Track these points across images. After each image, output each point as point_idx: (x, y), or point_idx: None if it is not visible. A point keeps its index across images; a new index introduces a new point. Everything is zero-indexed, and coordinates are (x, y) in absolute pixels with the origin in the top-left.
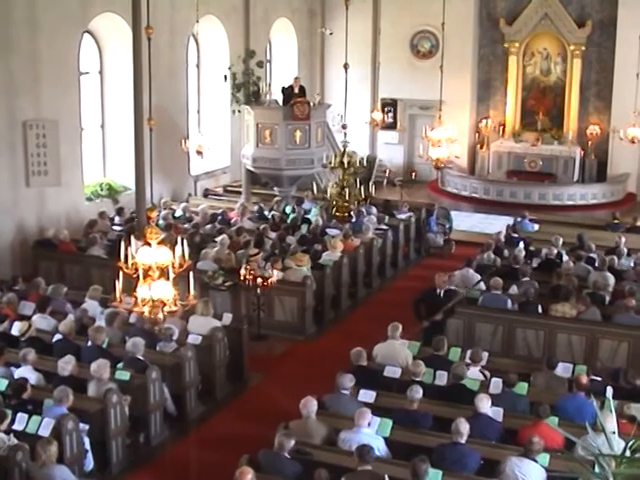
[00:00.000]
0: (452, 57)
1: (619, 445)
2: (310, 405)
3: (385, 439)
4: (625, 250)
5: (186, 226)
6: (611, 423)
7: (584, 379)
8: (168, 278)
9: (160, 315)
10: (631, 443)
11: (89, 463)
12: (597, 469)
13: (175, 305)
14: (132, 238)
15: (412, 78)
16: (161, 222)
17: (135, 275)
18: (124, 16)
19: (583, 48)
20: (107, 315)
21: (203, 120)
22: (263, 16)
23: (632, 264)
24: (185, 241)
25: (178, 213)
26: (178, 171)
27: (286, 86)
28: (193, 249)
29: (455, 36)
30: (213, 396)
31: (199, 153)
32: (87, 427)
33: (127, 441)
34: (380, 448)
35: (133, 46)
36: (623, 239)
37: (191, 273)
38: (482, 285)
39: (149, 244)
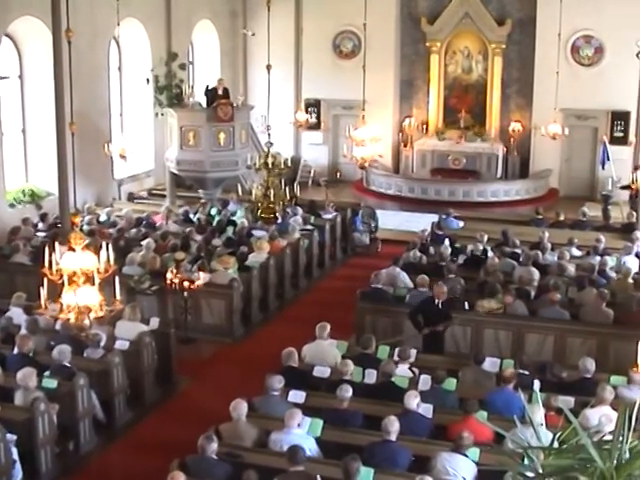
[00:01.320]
0: (374, 57)
1: (547, 437)
2: (240, 407)
3: (316, 439)
4: (549, 245)
5: (111, 231)
6: (539, 416)
7: (511, 373)
8: (94, 284)
9: (86, 321)
10: (559, 434)
11: (17, 473)
12: (526, 461)
13: (101, 311)
14: (56, 244)
15: (335, 78)
16: (85, 227)
17: (60, 281)
18: (44, 19)
19: (504, 46)
20: (28, 322)
21: (126, 123)
22: (185, 18)
23: (556, 258)
24: (110, 246)
25: (102, 218)
26: (102, 175)
27: (209, 88)
28: (118, 254)
29: (377, 36)
30: (142, 401)
31: (122, 157)
32: (15, 437)
33: (56, 450)
34: (311, 448)
35: (53, 49)
36: (547, 234)
37: (117, 278)
38: (409, 283)
39: (74, 250)
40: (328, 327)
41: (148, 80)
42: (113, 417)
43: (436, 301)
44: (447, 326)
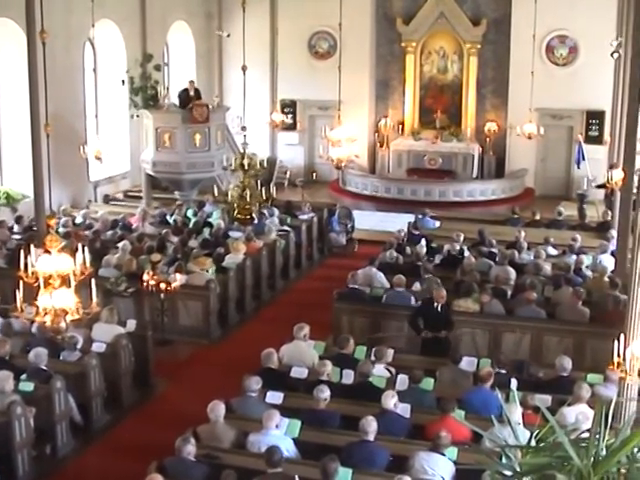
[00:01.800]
0: (350, 57)
1: (524, 435)
2: (218, 409)
3: (294, 440)
4: (525, 244)
5: (87, 233)
6: (516, 414)
7: (488, 372)
8: (70, 286)
9: (63, 324)
10: (536, 433)
11: None
12: (504, 460)
13: (78, 313)
14: (32, 246)
15: (311, 79)
16: (61, 229)
17: (36, 284)
18: (18, 21)
19: (479, 46)
20: (3, 326)
21: (101, 125)
22: (160, 19)
23: (532, 258)
24: (86, 248)
25: (78, 220)
26: (77, 177)
27: (182, 89)
28: (94, 256)
29: (352, 36)
30: (119, 404)
31: (98, 158)
32: None
33: (33, 453)
34: (289, 449)
35: (28, 51)
36: (523, 233)
37: (93, 280)
38: (385, 283)
39: (49, 252)
40: (306, 327)
41: (123, 81)
42: (90, 420)
43: (435, 304)
44: (449, 332)
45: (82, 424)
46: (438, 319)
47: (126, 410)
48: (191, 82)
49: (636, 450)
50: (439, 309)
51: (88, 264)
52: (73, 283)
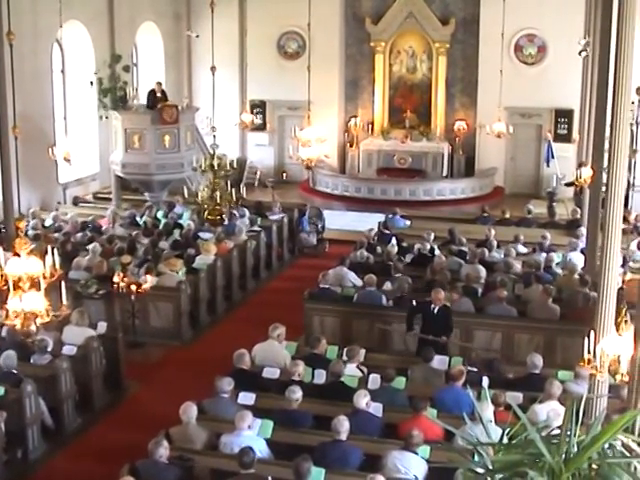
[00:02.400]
0: (319, 57)
1: (496, 433)
2: (190, 410)
3: (266, 440)
4: (495, 242)
5: (56, 235)
6: (488, 412)
7: (460, 371)
8: (39, 289)
9: (33, 327)
10: (508, 430)
11: None
12: (476, 458)
13: (48, 316)
14: (1, 249)
15: (280, 79)
16: (30, 232)
17: (5, 287)
18: None
19: (448, 46)
20: None
21: (70, 126)
22: (128, 20)
23: (502, 256)
24: (56, 250)
25: (48, 222)
26: (46, 179)
27: (150, 91)
28: (64, 258)
29: (321, 36)
30: (91, 406)
31: (67, 160)
32: None
33: (4, 457)
34: (262, 450)
35: None
36: (493, 232)
37: (63, 283)
38: (357, 282)
39: (19, 255)
40: (281, 328)
41: (92, 83)
42: (62, 423)
43: (432, 306)
44: (448, 336)
45: (53, 428)
46: (434, 321)
47: (98, 413)
48: (158, 83)
49: (607, 446)
50: (435, 311)
51: (58, 267)
52: (43, 286)
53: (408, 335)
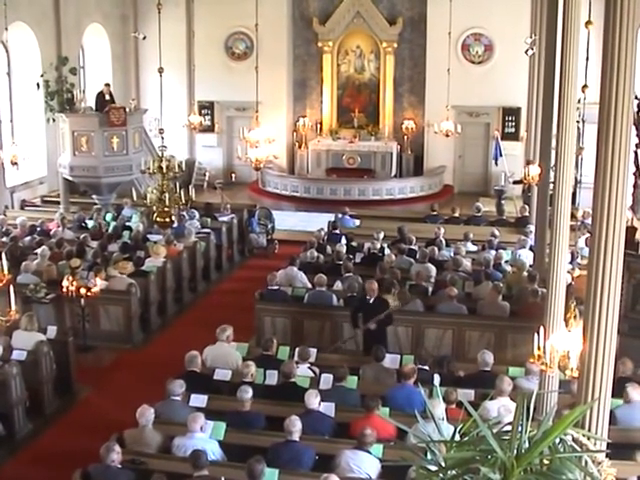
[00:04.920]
0: (267, 58)
1: (449, 430)
2: (147, 414)
3: (219, 442)
4: (444, 241)
5: (4, 239)
6: (439, 410)
7: (411, 369)
8: None
9: None
10: (460, 427)
11: None
12: (429, 455)
13: None
14: None
15: (228, 80)
16: None
17: None
18: None
19: (395, 45)
20: None
21: (17, 130)
22: (74, 22)
23: (452, 254)
24: (4, 255)
25: None
26: None
27: (98, 93)
28: (12, 262)
29: (269, 37)
30: (42, 412)
31: (14, 164)
32: None
33: None
34: (215, 451)
35: None
36: (442, 230)
37: (12, 287)
38: (307, 283)
39: None
40: (229, 329)
41: (38, 85)
42: (12, 429)
43: (368, 298)
44: (384, 325)
45: (4, 434)
46: (374, 312)
47: (49, 418)
48: (107, 85)
49: (558, 441)
50: (371, 302)
51: (6, 271)
52: None
53: (355, 332)
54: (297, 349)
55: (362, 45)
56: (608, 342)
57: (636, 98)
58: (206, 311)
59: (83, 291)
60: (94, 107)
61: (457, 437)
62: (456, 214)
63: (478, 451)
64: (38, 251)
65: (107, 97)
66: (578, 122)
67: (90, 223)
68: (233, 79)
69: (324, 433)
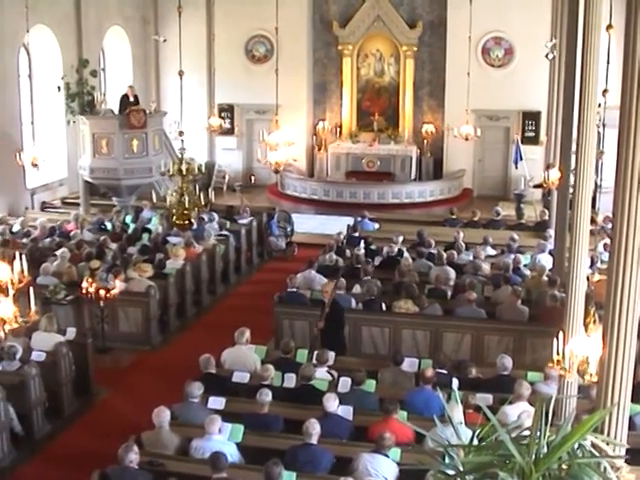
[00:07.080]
0: (287, 61)
1: (467, 435)
2: (163, 415)
3: (237, 444)
4: (463, 244)
5: (24, 241)
6: (458, 414)
7: (429, 373)
8: (8, 295)
9: (1, 333)
10: (478, 432)
11: None
12: (447, 459)
13: (16, 322)
14: None
15: (248, 83)
16: None
17: None
18: None
19: (415, 49)
20: None
21: (38, 132)
22: (95, 24)
23: (471, 258)
24: (24, 256)
25: (15, 228)
26: (13, 185)
27: (123, 95)
28: (32, 264)
29: (289, 40)
30: (60, 413)
31: (35, 165)
32: None
33: None
34: (233, 454)
35: None
36: (461, 234)
37: (31, 289)
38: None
39: None
40: (247, 332)
41: (59, 87)
42: (31, 430)
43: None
44: (337, 326)
45: (23, 434)
46: (330, 314)
47: (67, 419)
48: (131, 87)
49: (576, 446)
50: (325, 302)
51: (26, 272)
52: (11, 292)
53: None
54: (316, 352)
55: (382, 48)
56: (628, 347)
57: None
58: (224, 313)
59: (102, 293)
60: (118, 109)
61: (475, 441)
62: (475, 218)
63: (496, 456)
64: (58, 253)
65: (131, 99)
66: (598, 126)
67: (110, 225)
68: (253, 82)
69: (342, 436)
